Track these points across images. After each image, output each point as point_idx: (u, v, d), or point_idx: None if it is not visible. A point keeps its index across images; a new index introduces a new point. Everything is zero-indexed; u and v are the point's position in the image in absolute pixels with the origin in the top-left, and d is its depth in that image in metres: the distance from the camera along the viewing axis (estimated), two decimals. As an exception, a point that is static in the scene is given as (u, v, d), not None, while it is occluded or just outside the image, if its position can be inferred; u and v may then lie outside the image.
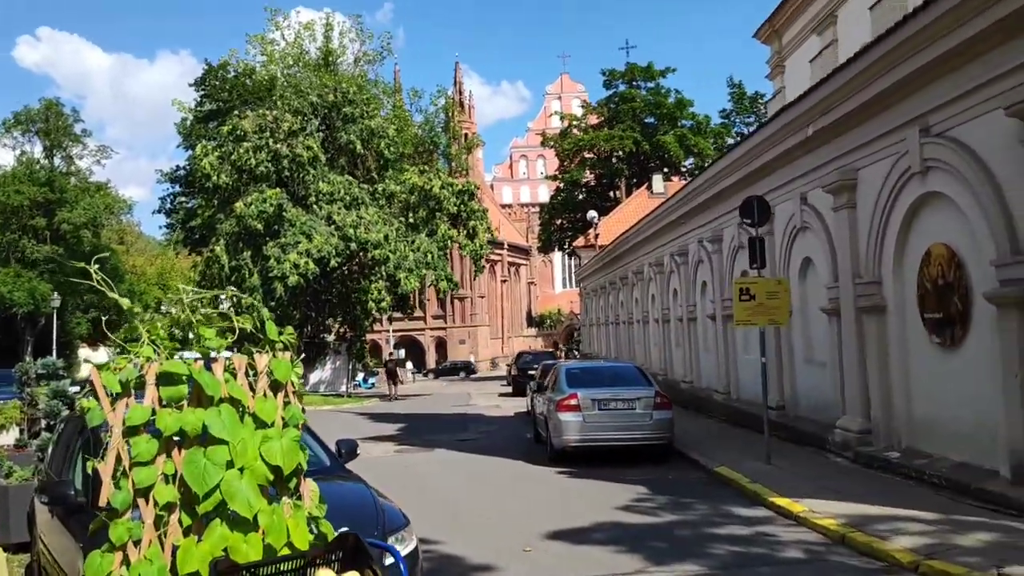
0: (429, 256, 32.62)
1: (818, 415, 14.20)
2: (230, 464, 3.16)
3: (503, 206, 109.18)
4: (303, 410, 3.57)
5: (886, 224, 11.31)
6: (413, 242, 32.61)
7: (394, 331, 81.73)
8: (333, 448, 7.49)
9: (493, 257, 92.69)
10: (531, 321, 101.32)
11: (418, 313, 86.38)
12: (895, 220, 11.10)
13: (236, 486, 3.19)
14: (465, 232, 35.07)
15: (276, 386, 3.44)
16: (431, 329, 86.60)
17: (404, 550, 5.57)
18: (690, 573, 7.37)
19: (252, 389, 3.45)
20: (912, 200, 10.63)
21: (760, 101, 59.76)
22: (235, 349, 3.39)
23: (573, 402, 13.87)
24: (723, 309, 18.98)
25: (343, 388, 37.30)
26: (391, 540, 5.56)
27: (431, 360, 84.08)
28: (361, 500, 6.11)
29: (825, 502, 9.52)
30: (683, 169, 59.81)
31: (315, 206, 30.71)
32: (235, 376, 3.32)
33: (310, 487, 3.46)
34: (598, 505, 10.53)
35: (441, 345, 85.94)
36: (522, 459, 15.08)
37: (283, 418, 3.39)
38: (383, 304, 32.08)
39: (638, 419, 13.79)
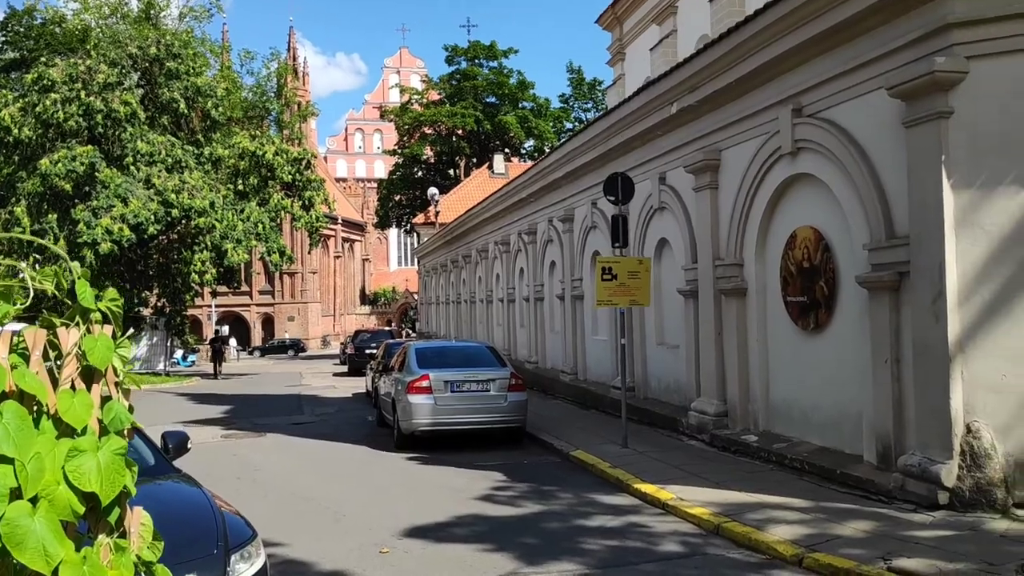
0: (260, 227, 30.58)
1: (670, 397, 14.09)
2: (16, 493, 2.06)
3: (338, 180, 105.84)
4: (130, 408, 2.48)
5: (750, 206, 11.16)
6: (242, 211, 30.44)
7: (217, 307, 77.42)
8: (158, 441, 6.27)
9: (327, 232, 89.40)
10: (365, 299, 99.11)
11: (244, 288, 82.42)
12: (760, 202, 10.96)
13: (25, 526, 2.08)
14: (300, 203, 33.17)
15: (90, 374, 2.33)
16: (258, 305, 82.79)
17: (250, 570, 4.56)
18: (570, 574, 6.74)
19: (54, 379, 2.29)
20: (780, 182, 10.49)
21: (599, 88, 60.84)
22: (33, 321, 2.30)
23: (424, 384, 13.02)
24: (572, 289, 18.69)
25: (160, 366, 34.50)
26: (235, 558, 4.53)
27: (257, 338, 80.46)
28: (197, 509, 5.01)
29: (691, 488, 9.21)
30: (523, 151, 59.99)
31: (133, 168, 27.93)
32: (27, 360, 2.19)
33: (139, 519, 2.41)
34: (456, 495, 9.77)
35: (268, 322, 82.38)
36: (367, 444, 14.09)
37: (101, 421, 2.29)
38: (207, 276, 29.78)
39: (492, 401, 13.13)
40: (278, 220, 32.63)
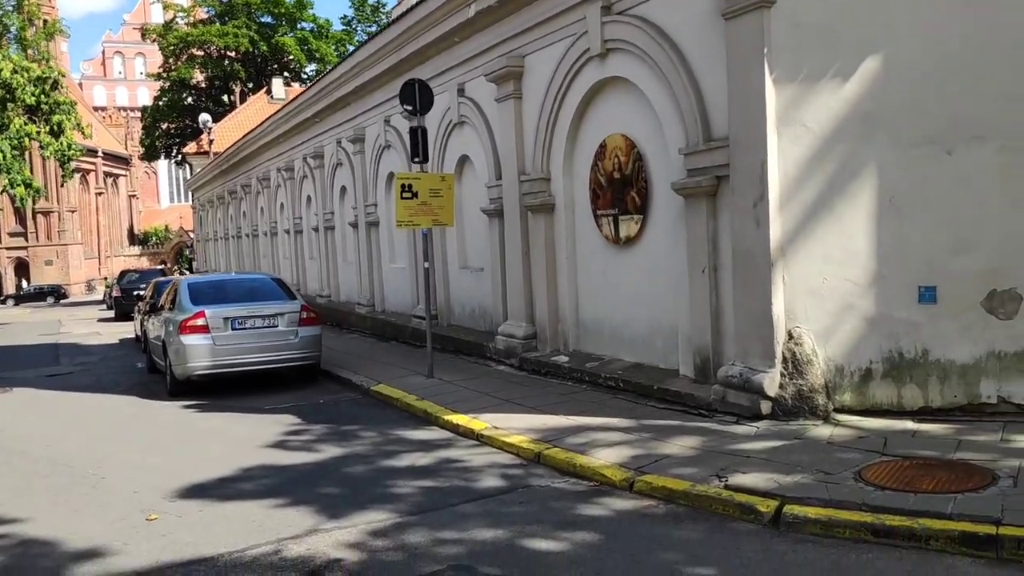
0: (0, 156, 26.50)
1: (476, 323, 13.40)
2: None
3: (96, 109, 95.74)
4: None
5: (557, 115, 10.46)
6: (-24, 137, 26.23)
7: (-45, 251, 68.36)
8: None
9: (85, 166, 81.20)
10: (134, 239, 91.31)
11: (-11, 230, 73.23)
12: (568, 110, 10.28)
13: None
14: (48, 128, 29.05)
15: None
16: (9, 249, 73.89)
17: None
18: (380, 524, 5.82)
19: None
20: (589, 87, 9.84)
21: (382, 10, 58.35)
22: None
23: (200, 322, 11.45)
24: (366, 215, 17.44)
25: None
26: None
27: (9, 285, 71.99)
28: None
29: (505, 416, 8.54)
30: (304, 76, 56.65)
31: None
32: None
33: None
34: (242, 445, 8.53)
35: (22, 268, 73.88)
36: (136, 394, 12.33)
37: None
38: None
39: (281, 338, 11.81)
40: (23, 150, 28.39)
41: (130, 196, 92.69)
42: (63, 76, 30.31)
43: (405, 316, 15.66)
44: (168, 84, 56.76)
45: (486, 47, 11.83)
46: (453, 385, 10.55)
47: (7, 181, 26.84)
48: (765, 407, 7.25)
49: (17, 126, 27.64)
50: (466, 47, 12.40)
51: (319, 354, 12.28)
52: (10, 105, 27.94)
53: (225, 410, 10.64)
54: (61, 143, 29.20)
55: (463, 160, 13.45)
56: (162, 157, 64.05)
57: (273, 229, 26.36)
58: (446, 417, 8.80)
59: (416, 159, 11.17)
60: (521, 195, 11.24)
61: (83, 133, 30.79)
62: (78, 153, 31.83)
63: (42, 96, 28.69)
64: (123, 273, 33.51)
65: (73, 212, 75.69)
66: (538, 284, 11.05)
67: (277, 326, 11.83)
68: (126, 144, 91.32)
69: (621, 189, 9.51)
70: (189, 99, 57.55)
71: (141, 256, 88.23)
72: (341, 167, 19.10)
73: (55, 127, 29.16)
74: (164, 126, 57.87)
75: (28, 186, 27.53)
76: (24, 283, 70.85)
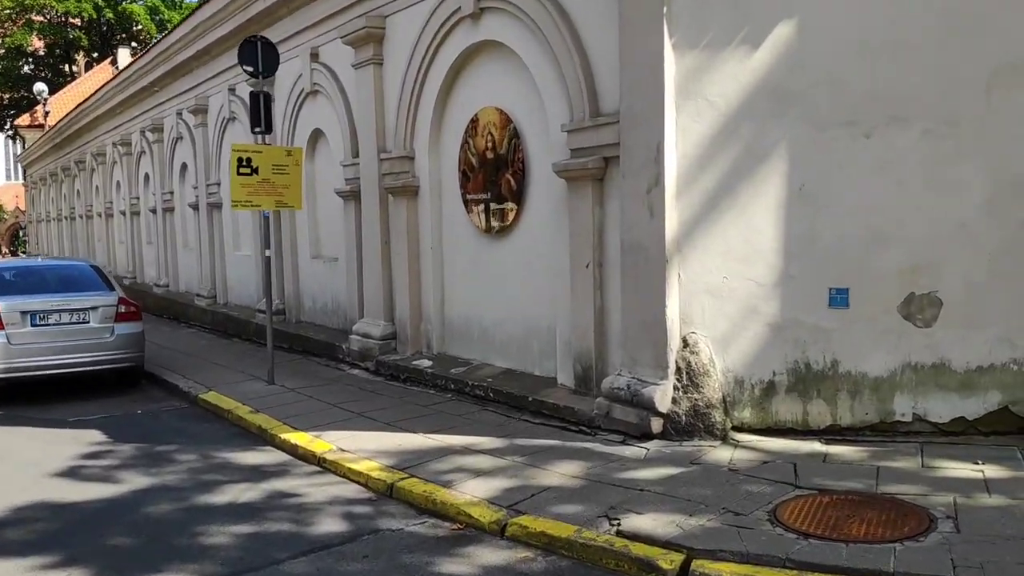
0: None
1: (329, 320, 11.94)
2: None
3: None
4: None
5: (423, 84, 9.18)
6: None
7: None
8: None
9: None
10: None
11: None
12: (435, 78, 9.01)
13: None
14: None
15: None
16: None
17: None
18: (173, 597, 4.42)
19: None
20: (460, 52, 8.60)
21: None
22: None
23: (-10, 316, 9.52)
24: (208, 196, 15.56)
25: None
26: None
27: None
28: None
29: (354, 434, 7.23)
30: (156, 47, 52.65)
31: None
32: None
33: None
34: (23, 472, 6.85)
35: None
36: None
37: None
38: None
39: (93, 336, 9.98)
40: None
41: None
42: None
43: (249, 311, 13.98)
44: (2, 51, 51.43)
45: (343, 6, 10.38)
46: (297, 393, 9.11)
47: None
48: (656, 425, 6.25)
49: None
50: (320, 6, 10.90)
51: (141, 355, 10.51)
52: None
53: (18, 423, 8.82)
54: None
55: (316, 135, 11.94)
56: (-7, 129, 58.13)
57: (108, 210, 23.76)
58: (284, 436, 7.38)
59: (257, 129, 9.61)
60: (381, 175, 9.90)
61: None
62: None
63: None
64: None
65: None
66: (399, 277, 9.76)
67: (88, 322, 9.99)
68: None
69: (495, 171, 8.34)
70: (26, 68, 52.43)
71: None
72: (182, 141, 17.07)
73: None
74: (-6, 95, 52.47)
75: None
76: None
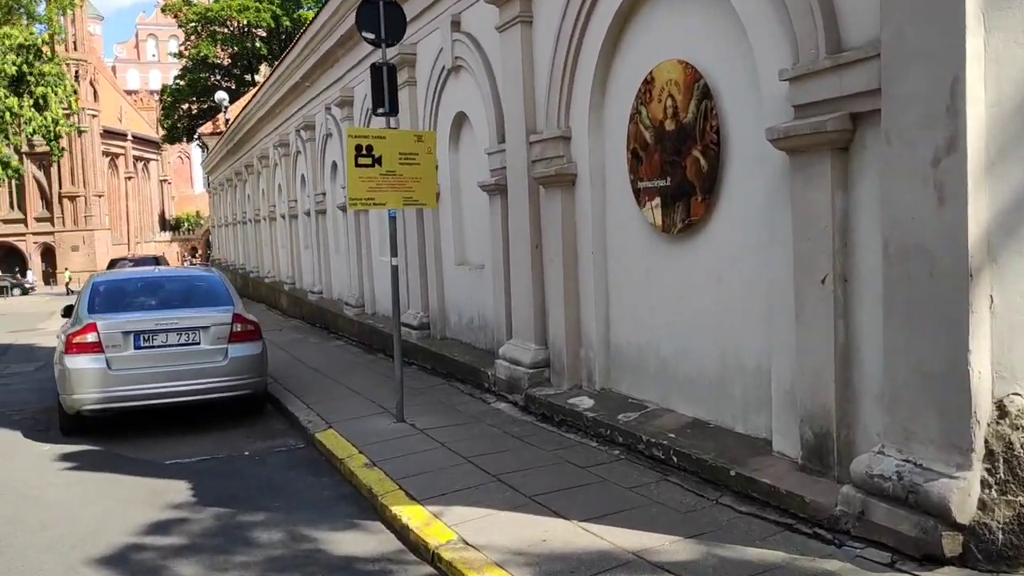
0: (-27, 131, 23.79)
1: (476, 337, 10.10)
2: None
3: (128, 92, 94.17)
4: None
5: (581, 39, 7.08)
6: (-54, 110, 23.55)
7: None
8: None
9: (115, 150, 79.71)
10: (165, 225, 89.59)
11: (16, 215, 71.74)
12: (597, 29, 6.89)
13: None
14: (32, 102, 26.32)
15: None
16: (35, 234, 72.25)
17: None
18: None
19: None
20: (627, -7, 6.45)
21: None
22: None
23: (90, 337, 8.30)
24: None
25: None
26: None
27: (36, 271, 70.38)
28: None
29: (487, 513, 5.24)
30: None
31: None
32: None
33: None
34: (60, 550, 5.36)
35: (49, 253, 72.21)
36: (22, 428, 9.26)
37: None
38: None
39: (205, 359, 8.60)
40: (4, 125, 25.55)
41: (161, 181, 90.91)
42: (49, 38, 27.42)
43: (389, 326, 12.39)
44: (189, 63, 54.16)
45: (486, -42, 8.47)
46: (426, 437, 7.27)
47: (-20, 158, 24.09)
48: (951, 544, 3.84)
49: (-4, 99, 24.88)
50: (461, -38, 9.06)
51: (260, 380, 9.05)
52: (-11, 76, 25.20)
53: (109, 464, 7.51)
54: (46, 119, 26.46)
55: (460, 120, 10.12)
56: (184, 139, 61.50)
57: (271, 214, 23.29)
58: (395, 509, 5.52)
59: (381, 110, 7.85)
60: (530, 163, 7.90)
61: (71, 107, 28.02)
62: (68, 129, 29.06)
63: (25, 66, 25.95)
64: (114, 262, 30.82)
65: (100, 197, 73.84)
66: (553, 290, 7.72)
67: (199, 343, 8.62)
68: (157, 128, 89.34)
69: (676, 148, 6.12)
70: (211, 79, 54.92)
71: (172, 242, 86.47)
72: (331, 139, 15.86)
73: (39, 100, 26.44)
74: (185, 107, 55.32)
75: (6, 165, 24.78)
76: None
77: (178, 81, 55.50)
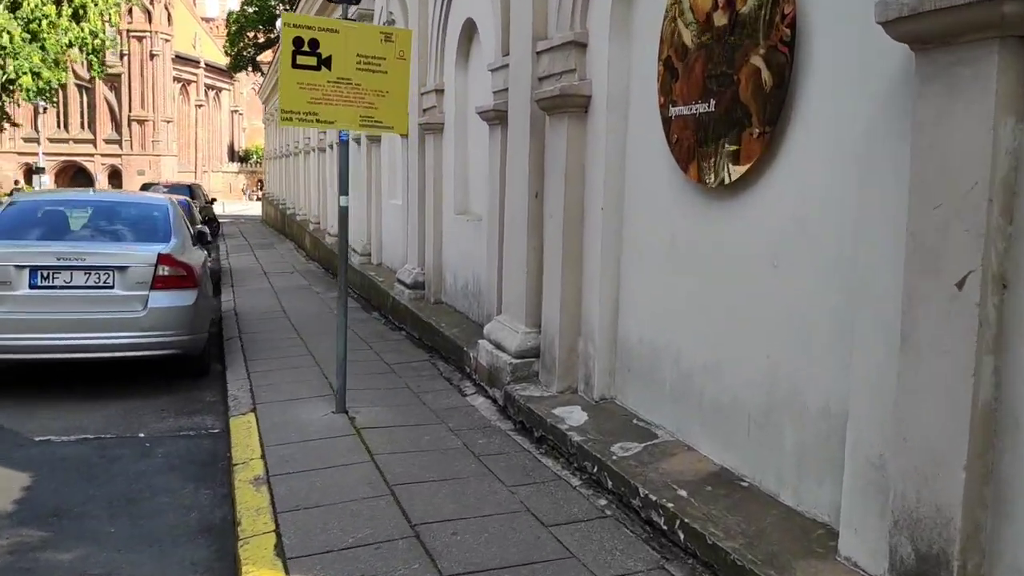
0: (5, 38, 22.51)
1: (468, 307, 8.14)
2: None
3: (205, 19, 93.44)
4: None
5: (608, -100, 4.92)
6: (-22, 15, 22.32)
7: (52, 155, 67.23)
8: None
9: (187, 76, 79.18)
10: (234, 155, 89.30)
11: (86, 135, 72.05)
12: None
13: None
14: (71, 12, 24.99)
15: None
16: (103, 156, 72.50)
17: None
18: None
19: None
20: None
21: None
22: None
23: (-26, 269, 6.61)
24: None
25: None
26: None
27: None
28: None
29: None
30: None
31: None
32: None
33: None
34: None
35: (116, 175, 72.39)
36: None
37: None
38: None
39: (118, 307, 6.81)
40: (33, 34, 24.26)
41: (232, 111, 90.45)
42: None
43: (392, 279, 10.52)
44: (257, -9, 52.49)
45: None
46: (359, 442, 5.37)
47: (12, 68, 22.83)
48: None
49: (32, 5, 23.58)
50: None
51: (191, 338, 7.19)
52: (26, -20, 23.89)
53: None
54: (83, 30, 25.13)
55: (469, 29, 8.03)
56: (250, 69, 60.25)
57: (306, 146, 21.55)
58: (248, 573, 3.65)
59: (338, -4, 5.83)
60: (536, 80, 5.80)
61: (110, 21, 26.61)
62: (109, 44, 27.75)
63: (64, -28, 24.58)
64: (146, 187, 29.59)
65: (169, 123, 73.63)
66: (551, 257, 5.66)
67: (111, 287, 6.84)
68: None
69: (728, 52, 3.96)
70: (280, 7, 53.29)
71: (239, 174, 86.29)
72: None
73: (77, 11, 25.09)
74: (251, 35, 53.84)
75: (37, 75, 23.52)
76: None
77: (245, 7, 53.98)
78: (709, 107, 4.09)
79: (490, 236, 6.99)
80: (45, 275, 6.70)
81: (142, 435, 5.99)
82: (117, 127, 72.11)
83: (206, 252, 9.40)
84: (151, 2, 71.05)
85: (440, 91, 8.65)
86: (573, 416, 5.09)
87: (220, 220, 35.29)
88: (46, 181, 53.40)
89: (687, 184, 4.37)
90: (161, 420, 6.36)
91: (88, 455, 5.52)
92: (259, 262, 18.16)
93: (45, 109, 48.71)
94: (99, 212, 7.99)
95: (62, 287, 6.74)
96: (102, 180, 71.61)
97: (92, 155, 72.10)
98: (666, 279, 4.63)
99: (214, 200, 31.95)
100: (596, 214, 5.20)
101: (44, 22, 23.99)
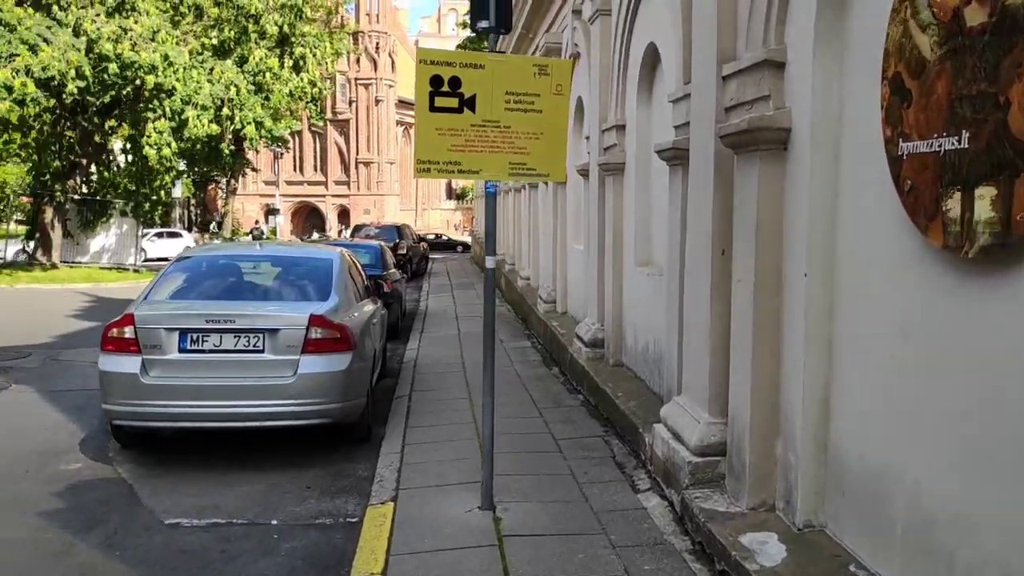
0: (232, 90, 24.15)
1: (649, 374, 7.04)
2: None
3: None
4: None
5: None
6: (211, 70, 24.09)
7: (288, 196, 72.89)
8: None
9: (409, 119, 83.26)
10: (451, 194, 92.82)
11: (318, 177, 77.48)
12: None
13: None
14: (292, 63, 26.51)
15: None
16: (334, 196, 77.67)
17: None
18: None
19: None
20: None
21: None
22: None
23: (126, 332, 6.38)
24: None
25: (131, 259, 28.85)
26: None
27: (334, 233, 75.73)
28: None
29: None
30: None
31: (57, 7, 21.83)
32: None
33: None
34: None
35: (344, 215, 77.31)
36: (85, 426, 7.71)
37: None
38: (165, 152, 23.76)
39: (267, 373, 6.36)
40: (263, 86, 25.86)
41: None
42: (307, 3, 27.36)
43: (572, 332, 9.59)
44: (471, 31, 54.27)
45: None
46: (496, 557, 4.44)
47: (239, 118, 24.41)
48: None
49: (256, 58, 25.20)
50: None
51: (343, 406, 6.58)
52: (254, 36, 25.56)
53: (100, 504, 5.60)
54: (302, 80, 26.56)
55: (652, 56, 6.99)
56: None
57: (504, 185, 21.13)
58: None
59: (483, 23, 5.02)
60: (720, 111, 4.68)
61: (327, 68, 27.94)
62: (325, 91, 29.17)
63: (288, 27, 26.11)
64: (357, 228, 30.64)
65: (392, 164, 77.70)
66: (740, 330, 4.47)
67: (261, 351, 6.40)
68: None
69: (988, 64, 2.69)
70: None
71: (456, 211, 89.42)
72: (579, 61, 12.93)
73: (298, 61, 26.57)
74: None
75: (259, 125, 25.02)
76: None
77: (464, 47, 55.92)
78: (958, 141, 2.82)
79: (670, 295, 5.88)
80: (194, 338, 6.37)
81: (275, 522, 5.41)
82: (346, 169, 77.07)
83: (378, 304, 8.96)
84: (376, 51, 75.65)
85: (621, 127, 7.68)
86: (767, 549, 3.86)
87: (432, 257, 36.32)
88: (280, 221, 57.73)
89: (926, 249, 3.10)
90: (302, 502, 5.77)
91: (209, 547, 4.98)
92: (455, 303, 17.93)
93: (282, 155, 52.80)
94: (260, 269, 7.70)
95: (211, 351, 6.38)
96: (332, 219, 76.65)
97: (323, 196, 77.48)
98: (896, 379, 3.34)
99: (423, 239, 32.74)
100: (798, 282, 3.99)
101: (268, 74, 25.53)
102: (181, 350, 6.35)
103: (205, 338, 6.37)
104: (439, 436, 6.89)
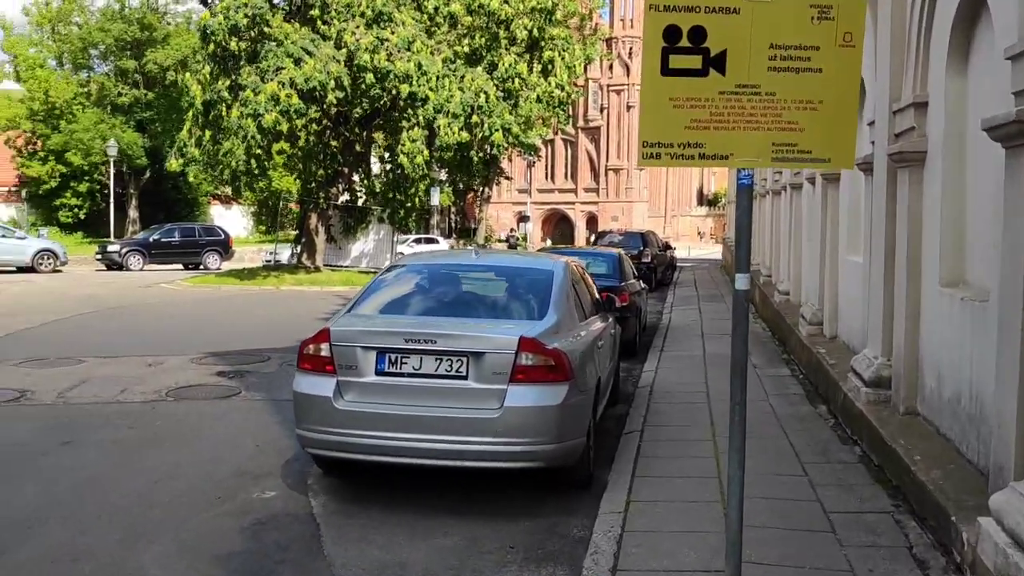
0: (482, 98, 24.11)
1: (961, 435, 5.24)
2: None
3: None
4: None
5: None
6: (462, 78, 24.23)
7: (539, 204, 74.01)
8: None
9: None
10: (702, 199, 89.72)
11: (568, 184, 77.94)
12: None
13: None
14: (540, 67, 26.07)
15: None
16: (582, 203, 77.77)
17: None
18: None
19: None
20: None
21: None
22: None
23: (322, 350, 5.69)
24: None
25: (387, 263, 29.83)
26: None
27: (581, 239, 75.90)
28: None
29: None
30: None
31: (321, 21, 22.89)
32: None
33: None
34: None
35: (592, 222, 77.19)
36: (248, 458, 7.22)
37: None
38: (417, 160, 24.21)
39: (469, 404, 5.40)
40: (513, 92, 25.58)
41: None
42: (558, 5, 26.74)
43: (846, 363, 7.81)
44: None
45: None
46: None
47: (487, 125, 24.30)
48: None
49: (505, 64, 25.02)
50: None
51: (555, 448, 5.46)
52: (504, 41, 25.43)
53: (284, 549, 4.88)
54: (550, 85, 26.07)
55: (971, 7, 5.21)
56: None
57: (762, 187, 19.12)
58: None
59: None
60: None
61: (574, 72, 27.25)
62: (572, 96, 28.52)
63: (536, 30, 25.74)
64: (600, 235, 29.56)
65: (641, 170, 76.39)
66: None
67: (464, 377, 5.46)
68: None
69: None
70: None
71: (707, 217, 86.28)
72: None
73: (546, 66, 26.12)
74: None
75: (507, 131, 24.77)
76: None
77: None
78: None
79: (1003, 330, 4.15)
80: (393, 359, 5.55)
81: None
82: (595, 176, 76.93)
83: (609, 322, 7.79)
84: (629, 56, 74.75)
85: (921, 105, 5.92)
86: None
87: (680, 265, 34.72)
88: (530, 228, 58.52)
89: None
90: (501, 568, 4.71)
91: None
92: (701, 317, 16.36)
93: (534, 163, 53.47)
94: (473, 281, 6.79)
95: (410, 375, 5.53)
96: (580, 226, 76.81)
97: (573, 203, 77.84)
98: None
99: (669, 246, 31.20)
100: None
101: (517, 80, 25.28)
102: (379, 372, 5.55)
103: (404, 360, 5.54)
104: (673, 494, 5.57)
